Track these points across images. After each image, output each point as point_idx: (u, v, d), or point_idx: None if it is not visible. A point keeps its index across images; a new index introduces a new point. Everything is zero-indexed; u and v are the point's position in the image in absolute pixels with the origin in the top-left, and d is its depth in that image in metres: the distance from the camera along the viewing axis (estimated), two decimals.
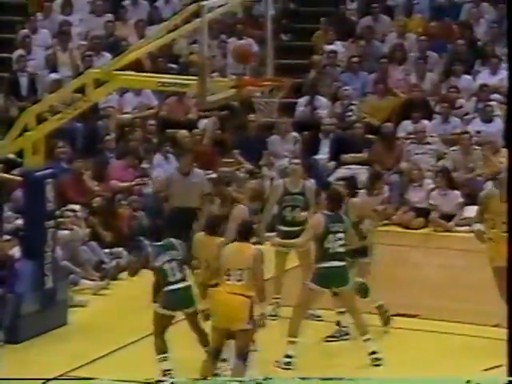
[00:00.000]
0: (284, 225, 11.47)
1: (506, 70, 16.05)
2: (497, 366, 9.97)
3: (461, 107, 15.83)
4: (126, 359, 10.58)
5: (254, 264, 9.46)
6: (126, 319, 11.52)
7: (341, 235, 10.32)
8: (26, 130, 11.40)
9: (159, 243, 10.04)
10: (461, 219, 14.47)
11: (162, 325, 9.96)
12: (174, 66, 16.42)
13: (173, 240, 10.06)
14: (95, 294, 12.35)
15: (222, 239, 10.21)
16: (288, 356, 10.30)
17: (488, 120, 15.51)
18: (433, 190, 14.75)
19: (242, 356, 9.40)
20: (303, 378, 9.05)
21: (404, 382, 9.32)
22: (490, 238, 10.61)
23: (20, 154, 11.55)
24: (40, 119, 11.47)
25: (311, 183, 11.72)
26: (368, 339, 10.40)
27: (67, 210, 13.04)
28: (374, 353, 10.38)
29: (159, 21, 16.48)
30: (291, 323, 10.38)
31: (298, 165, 11.73)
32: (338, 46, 16.89)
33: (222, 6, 11.31)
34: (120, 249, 13.18)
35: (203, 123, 15.87)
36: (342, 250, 10.33)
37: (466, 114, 15.88)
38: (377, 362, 10.34)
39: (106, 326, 11.37)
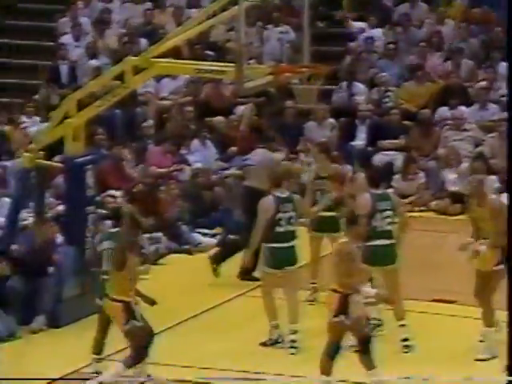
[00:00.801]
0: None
1: None
2: None
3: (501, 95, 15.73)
4: (166, 342, 10.64)
5: None
6: (166, 303, 11.57)
7: (388, 213, 10.30)
8: (66, 117, 11.47)
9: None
10: None
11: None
12: (211, 52, 16.43)
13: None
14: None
15: None
16: None
17: None
18: (470, 175, 14.65)
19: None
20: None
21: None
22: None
23: (61, 140, 11.60)
24: (80, 106, 11.53)
25: (342, 168, 11.71)
26: (403, 325, 10.38)
27: (107, 195, 13.11)
28: (405, 340, 10.35)
29: (197, 8, 16.49)
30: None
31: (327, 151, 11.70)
32: (375, 32, 16.82)
33: None
34: (159, 234, 13.23)
35: (240, 109, 15.88)
36: (389, 228, 10.31)
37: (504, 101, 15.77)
38: (407, 350, 10.31)
39: (146, 310, 11.43)
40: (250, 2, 11.08)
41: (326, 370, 9.23)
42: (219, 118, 15.57)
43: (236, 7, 10.77)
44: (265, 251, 10.45)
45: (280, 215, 10.35)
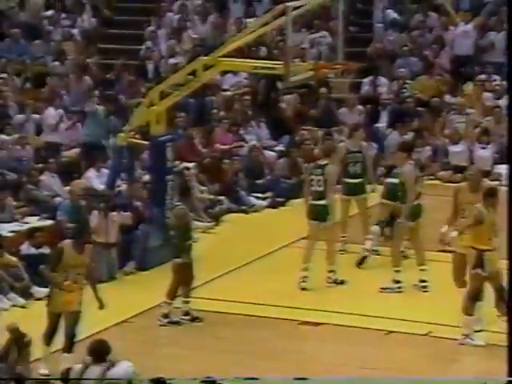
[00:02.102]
0: (348, 177, 11.21)
1: None
2: None
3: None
4: (230, 282, 10.54)
5: None
6: (226, 253, 11.48)
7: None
8: (151, 104, 11.35)
9: None
10: (492, 175, 14.05)
11: None
12: (265, 53, 16.15)
13: None
14: (204, 232, 12.31)
15: None
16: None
17: None
18: (471, 148, 14.33)
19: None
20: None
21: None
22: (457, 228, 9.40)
23: (147, 123, 11.50)
24: (162, 96, 11.39)
25: (369, 145, 11.58)
26: (424, 269, 10.20)
27: (183, 167, 12.99)
28: (423, 281, 10.16)
29: (253, 17, 16.22)
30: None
31: (358, 130, 11.50)
32: (396, 35, 16.48)
33: (302, 5, 11.09)
34: (222, 197, 13.09)
35: (288, 98, 15.62)
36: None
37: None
38: (425, 289, 10.11)
39: (212, 257, 11.35)
40: (296, 12, 10.84)
41: (469, 310, 8.88)
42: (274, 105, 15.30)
43: (284, 17, 10.55)
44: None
45: (312, 177, 10.30)
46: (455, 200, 9.56)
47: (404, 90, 15.65)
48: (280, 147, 14.69)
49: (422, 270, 10.25)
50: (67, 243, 8.53)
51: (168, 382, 7.27)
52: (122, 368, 7.05)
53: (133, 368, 7.10)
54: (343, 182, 11.28)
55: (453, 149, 14.70)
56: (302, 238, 11.06)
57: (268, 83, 15.42)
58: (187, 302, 9.70)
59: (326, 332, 9.41)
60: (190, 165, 13.28)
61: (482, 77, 15.54)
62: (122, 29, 17.51)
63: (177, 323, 9.60)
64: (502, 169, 14.02)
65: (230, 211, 12.98)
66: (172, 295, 9.66)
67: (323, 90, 15.38)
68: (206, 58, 11.47)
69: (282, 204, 13.28)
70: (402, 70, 15.90)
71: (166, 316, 9.65)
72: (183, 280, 9.69)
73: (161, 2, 17.64)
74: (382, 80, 15.87)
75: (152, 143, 11.45)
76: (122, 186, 12.13)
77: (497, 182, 13.63)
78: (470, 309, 8.87)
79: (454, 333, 9.08)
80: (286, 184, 13.57)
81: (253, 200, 13.34)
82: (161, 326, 9.56)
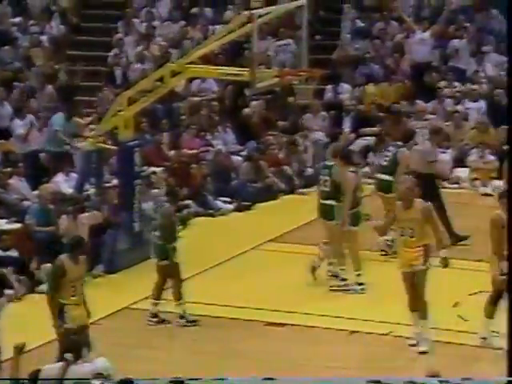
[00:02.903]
0: None
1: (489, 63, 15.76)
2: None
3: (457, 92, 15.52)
4: (197, 285, 10.53)
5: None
6: (193, 255, 11.46)
7: None
8: (119, 110, 11.31)
9: None
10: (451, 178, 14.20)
11: None
12: (231, 59, 16.17)
13: None
14: None
15: None
16: None
17: (474, 100, 15.24)
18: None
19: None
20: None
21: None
22: (399, 245, 8.92)
23: (115, 128, 11.45)
24: (130, 102, 11.35)
25: None
26: (360, 274, 10.17)
27: (150, 171, 12.96)
28: (361, 284, 10.13)
29: (220, 25, 16.24)
30: None
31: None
32: (359, 42, 16.60)
33: (268, 13, 11.13)
34: (190, 201, 13.07)
35: (253, 104, 15.65)
36: None
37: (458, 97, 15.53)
38: (363, 291, 10.05)
39: (180, 259, 11.31)
40: (261, 20, 10.87)
41: (490, 314, 8.86)
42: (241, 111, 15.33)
43: (250, 24, 10.57)
44: None
45: (320, 177, 10.43)
46: (391, 217, 9.11)
47: (366, 97, 15.77)
48: (246, 152, 14.73)
49: (357, 275, 10.12)
50: (64, 258, 8.27)
51: (136, 382, 7.22)
52: (101, 361, 7.00)
53: (108, 364, 7.05)
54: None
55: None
56: (269, 241, 11.08)
57: (235, 89, 15.44)
58: (179, 305, 9.66)
59: (291, 332, 9.44)
60: (158, 169, 13.27)
61: (443, 83, 15.72)
62: (89, 35, 17.42)
63: (166, 322, 9.56)
64: (461, 172, 14.21)
65: (197, 215, 12.99)
66: (157, 295, 9.61)
67: (289, 96, 15.45)
68: (173, 64, 11.46)
69: (248, 208, 13.32)
70: (363, 77, 16.04)
71: (154, 316, 9.65)
72: (171, 283, 9.64)
73: (128, 9, 17.60)
74: (345, 86, 15.98)
75: (120, 148, 11.42)
76: (91, 190, 12.08)
77: (456, 185, 13.86)
78: (492, 312, 8.79)
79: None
80: (251, 188, 13.62)
81: (219, 204, 13.36)
82: (150, 325, 9.53)
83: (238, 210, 13.27)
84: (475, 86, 15.38)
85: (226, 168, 14.01)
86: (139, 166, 11.48)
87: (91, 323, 8.89)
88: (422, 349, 8.77)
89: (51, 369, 7.01)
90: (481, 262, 10.66)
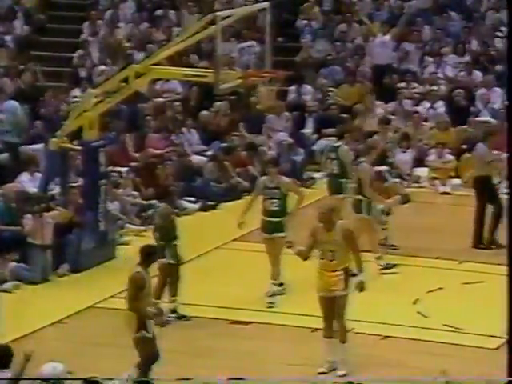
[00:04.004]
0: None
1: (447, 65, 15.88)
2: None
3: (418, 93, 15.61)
4: None
5: None
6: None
7: None
8: (84, 110, 11.19)
9: None
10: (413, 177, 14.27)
11: None
12: (195, 61, 16.09)
13: None
14: (136, 235, 12.17)
15: None
16: None
17: (433, 102, 15.34)
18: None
19: None
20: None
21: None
22: (318, 268, 8.34)
23: (80, 129, 11.33)
24: (95, 102, 11.23)
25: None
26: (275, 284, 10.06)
27: (115, 171, 12.85)
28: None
29: (184, 27, 16.15)
30: None
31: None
32: (321, 45, 16.62)
33: (231, 15, 11.09)
34: (155, 201, 12.97)
35: (217, 105, 15.59)
36: None
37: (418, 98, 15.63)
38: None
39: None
40: (225, 22, 10.82)
41: None
42: (203, 112, 15.25)
43: (214, 26, 10.52)
44: None
45: (327, 159, 10.94)
46: (311, 239, 8.43)
47: (328, 98, 15.82)
48: (211, 152, 14.66)
49: (273, 283, 9.91)
50: (140, 269, 8.09)
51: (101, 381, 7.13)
52: (50, 367, 6.88)
53: (62, 368, 6.92)
54: None
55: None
56: (233, 240, 11.04)
57: (200, 90, 15.38)
58: (174, 301, 9.60)
59: (256, 330, 9.41)
60: (123, 169, 13.16)
61: (402, 84, 15.80)
62: (54, 36, 17.24)
63: (185, 318, 9.49)
64: (421, 172, 14.30)
65: None
66: (157, 295, 9.49)
67: (253, 97, 15.42)
68: (137, 65, 11.37)
69: (213, 207, 13.27)
70: (325, 79, 16.07)
71: (173, 311, 9.59)
72: (169, 280, 9.56)
73: (93, 11, 17.44)
74: (307, 88, 15.99)
75: (85, 148, 11.29)
76: (55, 189, 11.94)
77: (416, 185, 13.95)
78: None
79: (375, 329, 9.22)
80: (216, 188, 13.57)
81: (185, 203, 13.28)
82: (170, 321, 9.36)
83: (203, 209, 13.21)
84: (434, 87, 15.50)
85: (190, 168, 13.93)
86: (104, 167, 11.36)
87: (56, 322, 8.78)
88: (340, 373, 8.36)
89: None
90: (439, 259, 10.75)
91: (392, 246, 11.06)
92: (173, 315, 9.58)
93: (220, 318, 9.57)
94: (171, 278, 9.60)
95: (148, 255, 8.24)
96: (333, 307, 8.31)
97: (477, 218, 11.16)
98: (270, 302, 9.86)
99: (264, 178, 10.27)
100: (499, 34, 16.02)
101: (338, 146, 11.17)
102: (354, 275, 8.71)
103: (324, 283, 8.29)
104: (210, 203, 13.27)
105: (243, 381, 7.25)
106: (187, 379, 7.40)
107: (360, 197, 10.43)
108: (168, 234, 9.61)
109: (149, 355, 7.89)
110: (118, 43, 16.69)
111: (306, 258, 8.49)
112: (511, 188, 5.81)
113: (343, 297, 8.29)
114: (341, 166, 11.00)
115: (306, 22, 16.99)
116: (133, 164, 13.55)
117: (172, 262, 9.57)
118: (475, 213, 11.14)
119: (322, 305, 8.36)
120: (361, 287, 8.37)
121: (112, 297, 9.83)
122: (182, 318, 9.58)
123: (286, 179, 10.20)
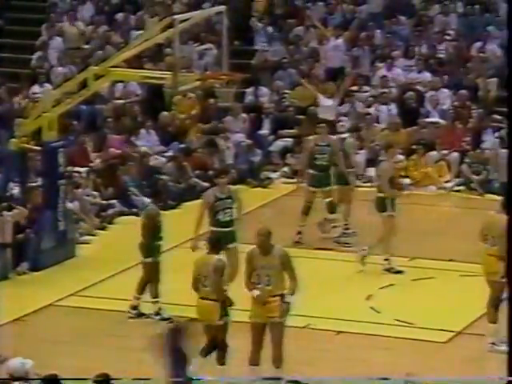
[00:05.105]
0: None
1: (397, 67, 16.05)
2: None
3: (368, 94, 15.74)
4: (122, 282, 10.41)
5: None
6: (118, 254, 11.34)
7: None
8: (44, 111, 11.10)
9: None
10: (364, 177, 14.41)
11: None
12: (153, 63, 16.03)
13: None
14: (95, 235, 12.10)
15: None
16: None
17: (384, 103, 15.51)
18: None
19: None
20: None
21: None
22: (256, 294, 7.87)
23: (39, 129, 11.23)
24: (54, 103, 11.15)
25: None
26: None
27: (74, 171, 12.77)
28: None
29: (142, 30, 16.08)
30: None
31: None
32: (276, 48, 16.71)
33: (189, 19, 11.10)
34: (115, 201, 12.92)
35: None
36: None
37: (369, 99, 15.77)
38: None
39: (104, 258, 11.20)
40: (182, 25, 10.82)
41: (493, 318, 8.46)
42: (163, 113, 15.22)
43: (172, 29, 10.51)
44: None
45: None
46: (248, 266, 7.94)
47: (284, 100, 15.89)
48: (170, 153, 14.63)
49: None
50: (219, 256, 7.91)
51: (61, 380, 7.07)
52: (18, 363, 6.81)
53: (31, 364, 6.86)
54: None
55: None
56: (191, 239, 11.01)
57: (158, 92, 15.34)
58: (157, 302, 9.59)
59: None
60: (82, 169, 13.07)
61: (354, 88, 15.95)
62: (13, 38, 17.05)
63: (145, 316, 9.50)
64: (373, 172, 14.45)
65: (122, 214, 12.83)
66: (140, 290, 9.58)
67: (210, 99, 15.42)
68: (96, 67, 11.31)
69: (173, 207, 13.25)
70: (281, 81, 16.14)
71: (134, 308, 9.60)
72: (151, 278, 9.57)
73: (52, 13, 17.28)
74: (264, 90, 16.05)
75: (44, 149, 11.20)
76: (15, 189, 11.83)
77: (368, 184, 14.09)
78: (494, 317, 8.42)
79: (329, 324, 9.31)
80: (175, 188, 13.56)
81: (145, 202, 13.23)
82: (130, 318, 9.45)
83: (163, 209, 13.17)
84: (385, 90, 15.67)
85: (150, 169, 13.89)
86: (63, 167, 11.29)
87: (16, 319, 8.69)
88: None
89: None
90: (392, 256, 10.88)
91: (346, 243, 11.19)
92: (157, 317, 9.56)
93: (181, 316, 9.53)
94: (154, 277, 9.59)
95: (217, 241, 8.30)
96: (264, 334, 7.83)
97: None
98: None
99: (212, 190, 9.83)
100: (447, 37, 16.29)
101: (344, 139, 12.05)
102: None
103: (259, 309, 7.81)
104: (169, 203, 13.25)
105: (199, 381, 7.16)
106: (147, 379, 7.35)
107: (382, 194, 10.50)
108: (154, 235, 9.63)
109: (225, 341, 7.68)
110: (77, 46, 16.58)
111: (231, 281, 8.30)
112: (511, 188, 5.59)
113: (279, 324, 7.82)
114: (331, 157, 11.46)
115: (261, 25, 17.04)
116: (92, 164, 13.47)
117: (156, 260, 9.56)
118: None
119: (254, 331, 7.87)
120: (287, 309, 7.83)
121: (71, 295, 9.77)
122: (166, 320, 9.45)
123: (234, 187, 10.18)
